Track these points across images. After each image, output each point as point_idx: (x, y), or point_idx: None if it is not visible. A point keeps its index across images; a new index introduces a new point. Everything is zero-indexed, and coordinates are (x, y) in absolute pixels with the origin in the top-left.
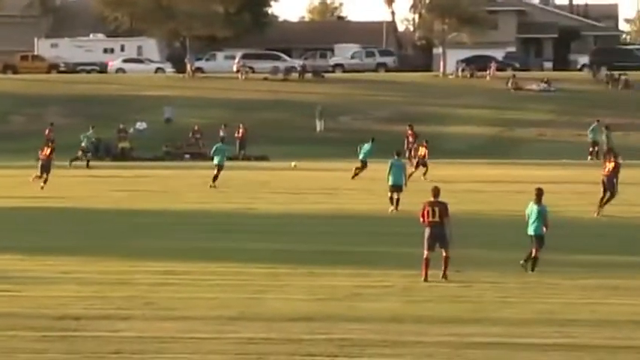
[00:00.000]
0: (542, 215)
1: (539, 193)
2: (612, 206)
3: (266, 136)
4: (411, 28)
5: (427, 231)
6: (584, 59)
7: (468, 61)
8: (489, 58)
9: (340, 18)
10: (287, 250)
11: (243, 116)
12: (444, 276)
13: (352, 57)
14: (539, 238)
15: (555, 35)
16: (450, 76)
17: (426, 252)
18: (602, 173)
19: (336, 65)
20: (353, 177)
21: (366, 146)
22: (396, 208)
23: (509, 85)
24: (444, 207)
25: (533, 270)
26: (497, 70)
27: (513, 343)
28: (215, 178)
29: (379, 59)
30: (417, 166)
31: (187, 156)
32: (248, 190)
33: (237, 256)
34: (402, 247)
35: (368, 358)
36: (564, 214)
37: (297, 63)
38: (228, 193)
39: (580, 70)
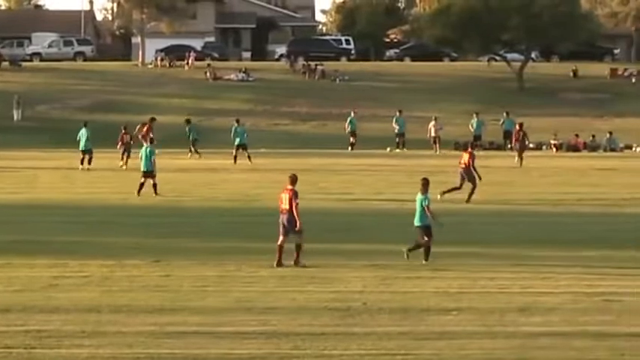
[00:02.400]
0: (420, 205)
1: (425, 183)
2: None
3: None
4: (110, 17)
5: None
6: (281, 49)
7: (166, 51)
8: (188, 48)
9: (37, 7)
10: None
11: None
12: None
13: (50, 46)
14: (422, 228)
15: (254, 25)
16: (150, 66)
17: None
18: (459, 164)
19: (34, 54)
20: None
21: (84, 131)
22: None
23: (208, 75)
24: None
25: (426, 260)
26: (197, 59)
27: (213, 332)
28: None
29: (77, 48)
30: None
31: None
32: None
33: None
34: (101, 236)
35: (66, 349)
36: (263, 203)
37: None
38: None
39: (278, 60)
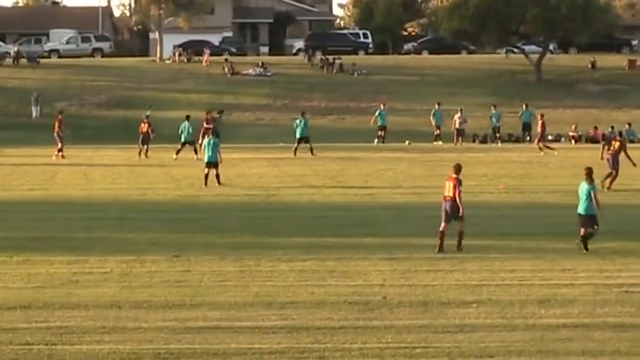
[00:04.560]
0: (587, 194)
1: (589, 172)
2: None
3: None
4: (128, 13)
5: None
6: (299, 44)
7: (184, 46)
8: (206, 43)
9: (55, 3)
10: (1, 238)
11: None
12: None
13: (68, 42)
14: (588, 217)
15: (271, 20)
16: (167, 61)
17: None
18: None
19: (52, 51)
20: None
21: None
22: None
23: (226, 69)
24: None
25: (586, 249)
26: (214, 54)
27: (233, 327)
28: None
29: (95, 44)
30: None
31: None
32: None
33: None
34: (119, 232)
35: (87, 345)
36: (281, 197)
37: (12, 48)
38: None
39: (296, 54)
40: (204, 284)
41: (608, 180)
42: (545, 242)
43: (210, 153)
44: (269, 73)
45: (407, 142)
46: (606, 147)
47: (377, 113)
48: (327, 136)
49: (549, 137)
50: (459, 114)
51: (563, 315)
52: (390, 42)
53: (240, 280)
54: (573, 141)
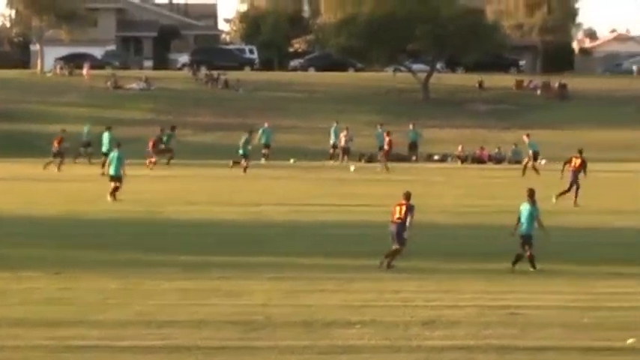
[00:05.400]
0: (530, 215)
1: (531, 193)
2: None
3: None
4: (8, 24)
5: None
6: (184, 58)
7: (66, 59)
8: (88, 56)
9: None
10: None
11: None
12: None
13: None
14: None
15: (155, 34)
16: (49, 74)
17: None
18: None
19: None
20: None
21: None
22: None
23: (109, 83)
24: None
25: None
26: (97, 68)
27: (113, 346)
28: None
29: None
30: None
31: None
32: None
33: None
34: (1, 248)
35: None
36: (168, 214)
37: None
38: None
39: (180, 69)
40: (85, 302)
41: (570, 195)
42: (431, 263)
43: (113, 167)
44: (153, 88)
45: (292, 160)
46: (567, 164)
47: (260, 131)
48: (213, 152)
49: (435, 157)
50: (345, 132)
51: (448, 337)
52: (276, 58)
53: (122, 298)
54: (460, 161)
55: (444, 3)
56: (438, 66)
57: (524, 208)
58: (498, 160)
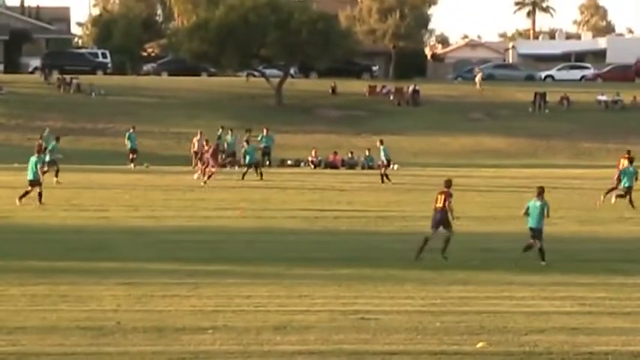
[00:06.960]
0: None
1: (541, 190)
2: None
3: None
4: None
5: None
6: (35, 62)
7: None
8: None
9: None
10: None
11: None
12: None
13: None
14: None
15: (6, 37)
16: None
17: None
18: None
19: None
20: None
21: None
22: None
23: None
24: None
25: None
26: None
27: None
28: None
29: None
30: None
31: None
32: None
33: None
34: None
35: None
36: (14, 220)
37: None
38: None
39: (31, 73)
40: None
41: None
42: (283, 268)
43: (30, 172)
44: (3, 92)
45: (145, 165)
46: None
47: (127, 136)
48: (65, 157)
49: (289, 162)
50: (197, 137)
51: (299, 342)
52: (128, 62)
53: None
54: (313, 166)
55: (297, 9)
56: (292, 71)
57: (534, 205)
58: (351, 165)
